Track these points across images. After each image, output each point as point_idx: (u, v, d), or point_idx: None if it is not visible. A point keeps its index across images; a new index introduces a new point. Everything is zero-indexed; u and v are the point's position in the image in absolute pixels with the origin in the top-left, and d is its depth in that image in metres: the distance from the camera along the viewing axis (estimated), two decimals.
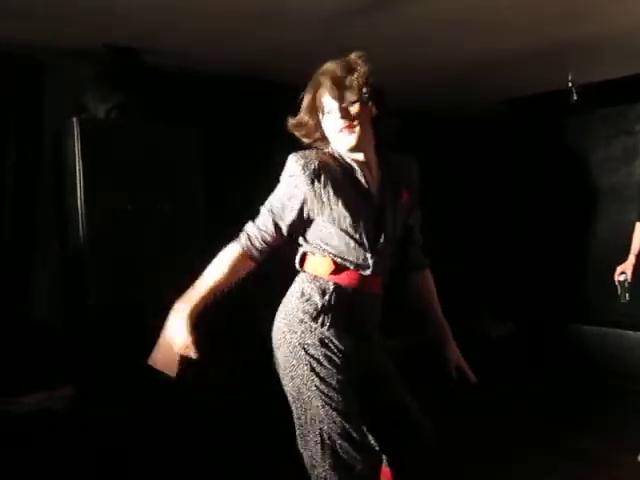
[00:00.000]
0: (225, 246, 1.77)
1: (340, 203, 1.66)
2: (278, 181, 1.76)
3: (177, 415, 2.93)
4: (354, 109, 1.65)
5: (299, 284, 1.78)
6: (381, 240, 1.72)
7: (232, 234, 1.77)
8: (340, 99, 1.64)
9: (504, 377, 4.43)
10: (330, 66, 1.68)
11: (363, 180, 1.72)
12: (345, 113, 1.64)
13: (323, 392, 1.68)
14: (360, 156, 1.72)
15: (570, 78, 4.11)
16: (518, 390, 4.12)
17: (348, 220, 1.68)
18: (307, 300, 1.74)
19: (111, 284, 2.92)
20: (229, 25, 2.87)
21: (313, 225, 1.72)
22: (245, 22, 2.84)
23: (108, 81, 3.00)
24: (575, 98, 4.19)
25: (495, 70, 3.87)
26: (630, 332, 4.18)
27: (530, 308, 5.16)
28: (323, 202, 1.66)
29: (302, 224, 1.71)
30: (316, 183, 1.65)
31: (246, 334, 3.74)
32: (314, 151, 1.72)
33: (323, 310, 1.71)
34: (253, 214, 1.76)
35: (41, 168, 3.14)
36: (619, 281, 3.32)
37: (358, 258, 1.71)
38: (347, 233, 1.69)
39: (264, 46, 3.09)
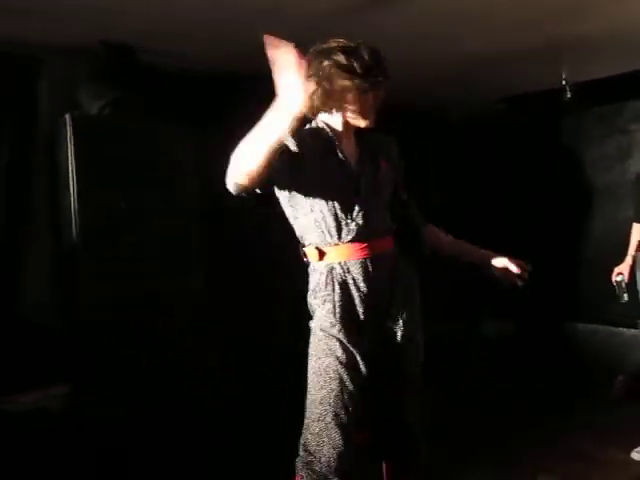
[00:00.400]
0: None
1: (319, 168, 1.78)
2: None
3: (174, 414, 2.92)
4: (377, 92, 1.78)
5: (310, 276, 1.89)
6: (359, 204, 1.80)
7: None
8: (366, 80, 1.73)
9: (503, 376, 4.45)
10: (353, 44, 1.74)
11: (342, 153, 1.83)
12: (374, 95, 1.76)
13: (321, 378, 1.77)
14: (339, 127, 1.83)
15: (564, 76, 4.12)
16: (517, 389, 4.13)
17: (326, 184, 1.78)
18: (314, 288, 1.84)
19: (105, 283, 2.90)
20: (225, 23, 2.86)
21: (293, 213, 1.84)
22: (242, 20, 2.83)
23: (102, 78, 2.98)
24: (569, 96, 4.20)
25: (491, 68, 3.87)
26: (627, 330, 4.19)
27: (527, 307, 5.17)
28: (304, 162, 1.76)
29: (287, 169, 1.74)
30: (300, 147, 1.75)
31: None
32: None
33: (326, 296, 1.80)
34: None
35: (34, 166, 3.12)
36: (616, 282, 3.34)
37: (337, 226, 1.79)
38: (324, 197, 1.78)
39: (261, 44, 3.08)
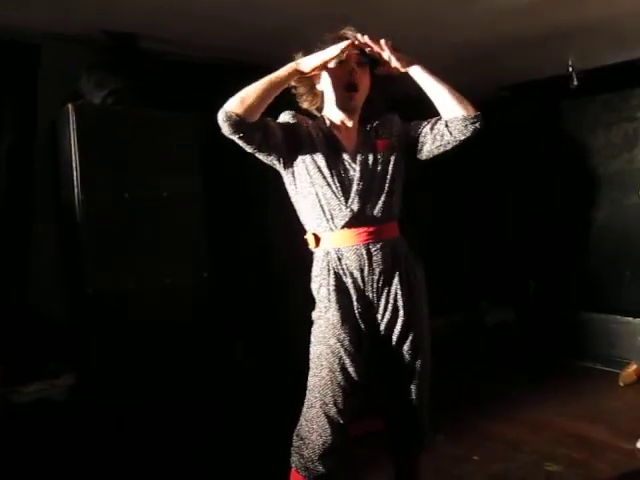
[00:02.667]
0: None
1: (316, 152, 1.83)
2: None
3: (179, 405, 2.92)
4: (361, 71, 1.83)
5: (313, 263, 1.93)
6: (354, 191, 1.82)
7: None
8: (351, 58, 1.81)
9: (506, 365, 4.45)
10: (342, 31, 1.83)
11: (339, 142, 1.88)
12: (353, 73, 1.82)
13: (317, 365, 1.83)
14: (346, 119, 1.90)
15: (570, 63, 4.08)
16: (520, 378, 4.12)
17: (321, 169, 1.82)
18: (314, 274, 1.89)
19: (110, 272, 2.89)
20: (227, 11, 2.83)
21: (296, 198, 1.91)
22: (244, 7, 2.80)
23: (105, 67, 2.95)
24: (575, 84, 4.16)
25: (496, 55, 3.83)
26: (631, 318, 4.18)
27: (531, 295, 5.16)
28: (302, 147, 1.84)
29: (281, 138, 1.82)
30: (300, 129, 1.86)
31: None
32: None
33: (321, 280, 1.84)
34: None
35: (37, 155, 3.11)
36: None
37: (331, 212, 1.81)
38: (319, 182, 1.82)
39: (262, 32, 3.06)
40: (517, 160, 5.27)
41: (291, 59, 1.83)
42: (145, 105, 3.04)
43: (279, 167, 1.89)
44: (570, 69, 4.12)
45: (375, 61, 1.84)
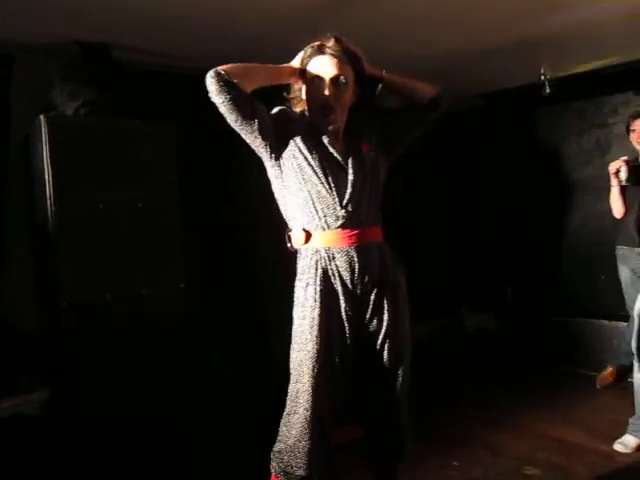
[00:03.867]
0: None
1: (307, 148, 1.80)
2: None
3: (155, 419, 2.89)
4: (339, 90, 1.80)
5: (297, 262, 1.89)
6: (349, 192, 1.81)
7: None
8: (331, 67, 1.78)
9: (487, 370, 4.47)
10: (322, 40, 1.82)
11: (330, 144, 1.85)
12: (333, 85, 1.79)
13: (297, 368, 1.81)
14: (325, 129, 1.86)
15: (542, 72, 4.14)
16: (500, 382, 4.14)
17: (317, 170, 1.79)
18: (300, 272, 1.85)
19: (85, 284, 2.86)
20: (200, 20, 2.84)
21: (282, 193, 1.86)
22: (217, 17, 2.80)
23: (77, 77, 2.93)
24: (548, 91, 4.23)
25: (468, 64, 3.88)
26: (606, 322, 4.23)
27: (507, 301, 5.21)
28: (293, 141, 1.81)
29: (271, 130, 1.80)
30: (293, 124, 1.84)
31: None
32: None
33: (309, 279, 1.81)
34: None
35: (9, 167, 3.07)
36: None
37: (325, 210, 1.79)
38: (313, 178, 1.79)
39: (238, 40, 3.07)
40: (491, 168, 5.33)
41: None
42: (119, 116, 3.02)
43: (265, 156, 1.83)
44: (542, 77, 4.19)
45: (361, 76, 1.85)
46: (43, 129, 2.81)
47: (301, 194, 1.81)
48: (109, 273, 2.92)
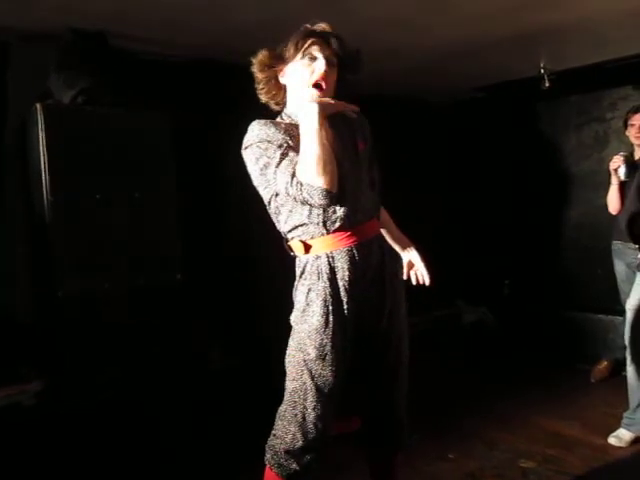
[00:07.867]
0: None
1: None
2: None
3: (150, 410, 2.88)
4: (330, 69, 1.77)
5: (296, 267, 1.87)
6: (344, 195, 1.77)
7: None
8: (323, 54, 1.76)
9: (483, 364, 4.48)
10: (315, 27, 1.80)
11: None
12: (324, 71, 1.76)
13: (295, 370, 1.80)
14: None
15: (542, 65, 4.13)
16: (497, 376, 4.16)
17: None
18: (300, 277, 1.83)
19: (81, 274, 2.84)
20: (197, 9, 2.81)
21: (277, 210, 1.83)
22: (214, 5, 2.78)
23: (74, 66, 2.90)
24: (547, 85, 4.22)
25: (467, 57, 3.86)
26: (603, 315, 4.24)
27: (506, 294, 5.22)
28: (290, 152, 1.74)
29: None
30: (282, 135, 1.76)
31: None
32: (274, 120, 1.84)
33: (310, 284, 1.79)
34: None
35: (5, 156, 3.05)
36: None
37: (323, 217, 1.76)
38: None
39: (234, 29, 3.04)
40: (490, 161, 5.33)
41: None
42: (116, 104, 3.00)
43: (268, 193, 1.82)
44: (542, 71, 4.18)
45: (345, 63, 1.83)
46: (39, 117, 2.78)
47: (298, 208, 1.77)
48: (105, 263, 2.90)
